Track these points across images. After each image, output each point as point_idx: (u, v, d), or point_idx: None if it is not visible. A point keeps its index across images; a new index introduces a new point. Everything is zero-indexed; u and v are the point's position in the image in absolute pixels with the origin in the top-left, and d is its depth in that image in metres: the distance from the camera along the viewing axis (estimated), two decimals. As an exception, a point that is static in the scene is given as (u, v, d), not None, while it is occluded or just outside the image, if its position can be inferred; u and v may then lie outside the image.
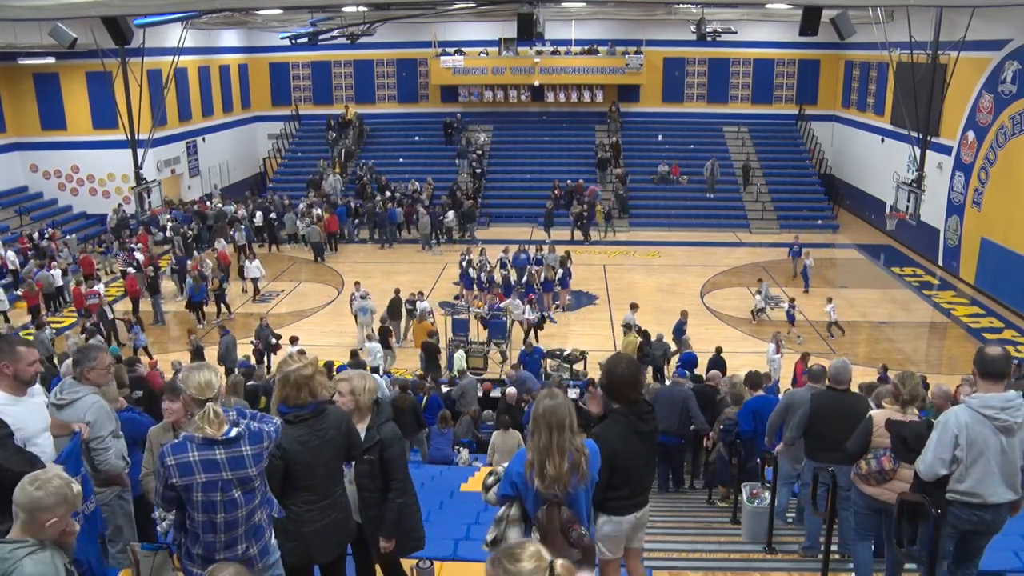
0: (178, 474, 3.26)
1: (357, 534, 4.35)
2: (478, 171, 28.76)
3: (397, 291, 17.78)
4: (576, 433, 3.64)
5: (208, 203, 26.81)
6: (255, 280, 20.55)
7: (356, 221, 26.53)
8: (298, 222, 25.35)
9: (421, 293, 18.44)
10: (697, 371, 13.66)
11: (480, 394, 13.38)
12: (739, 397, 9.01)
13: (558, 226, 26.45)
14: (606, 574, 4.25)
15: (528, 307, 17.50)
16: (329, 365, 13.38)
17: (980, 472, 3.99)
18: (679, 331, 16.07)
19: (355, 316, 17.41)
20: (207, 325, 18.65)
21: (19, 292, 18.80)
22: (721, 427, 8.89)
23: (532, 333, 17.20)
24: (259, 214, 25.61)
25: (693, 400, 9.41)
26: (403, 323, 17.68)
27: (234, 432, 3.31)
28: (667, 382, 12.68)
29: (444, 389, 13.32)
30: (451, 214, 25.94)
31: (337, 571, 4.20)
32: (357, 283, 18.32)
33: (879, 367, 13.82)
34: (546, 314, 18.43)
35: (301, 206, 26.13)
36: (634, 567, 4.36)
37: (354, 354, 14.83)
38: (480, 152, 29.58)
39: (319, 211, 25.51)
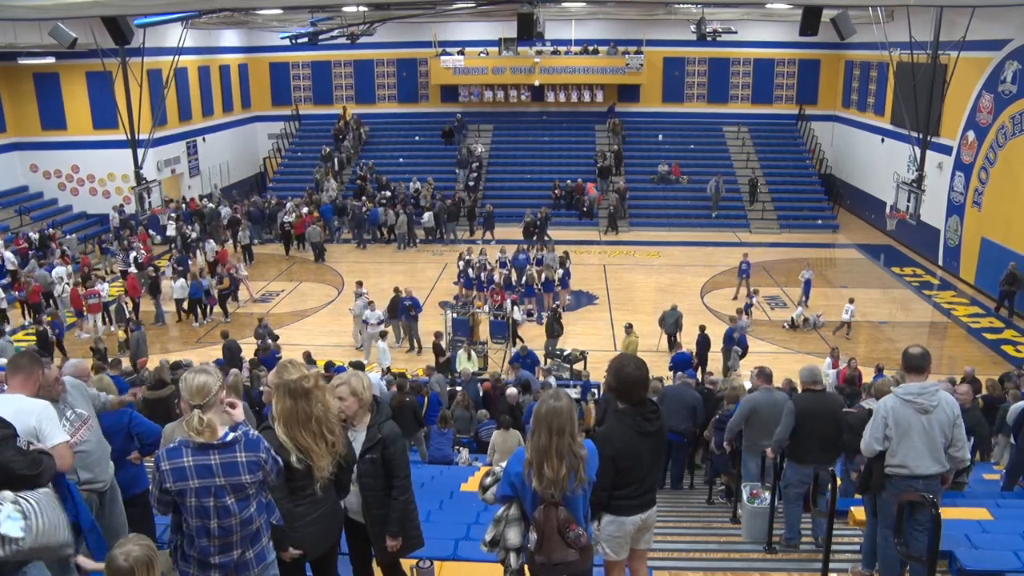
0: (172, 479, 3.25)
1: (358, 534, 4.34)
2: (472, 184, 28.62)
3: (397, 290, 17.76)
4: (576, 438, 3.63)
5: (200, 203, 26.75)
6: (179, 301, 19.04)
7: (337, 223, 26.46)
8: (289, 218, 25.18)
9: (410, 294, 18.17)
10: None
11: (480, 393, 13.37)
12: (735, 397, 9.25)
13: (562, 226, 26.63)
14: (610, 575, 4.24)
15: (516, 308, 17.53)
16: (328, 365, 13.39)
17: (907, 447, 4.90)
18: (728, 339, 15.71)
19: (359, 319, 17.21)
20: (207, 324, 18.69)
21: (16, 293, 18.78)
22: (717, 416, 9.15)
23: (514, 333, 17.23)
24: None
25: (702, 403, 9.87)
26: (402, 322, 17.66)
27: (230, 436, 3.29)
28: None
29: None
30: (427, 215, 25.92)
31: (328, 568, 4.18)
32: (359, 283, 18.28)
33: (875, 367, 13.81)
34: (544, 314, 18.41)
35: (288, 205, 26.04)
36: (637, 568, 4.34)
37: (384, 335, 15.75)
38: (478, 163, 29.51)
39: (307, 209, 25.45)
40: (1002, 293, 18.99)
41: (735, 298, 19.97)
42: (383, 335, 15.98)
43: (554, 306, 17.61)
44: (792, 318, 18.42)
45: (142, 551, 2.93)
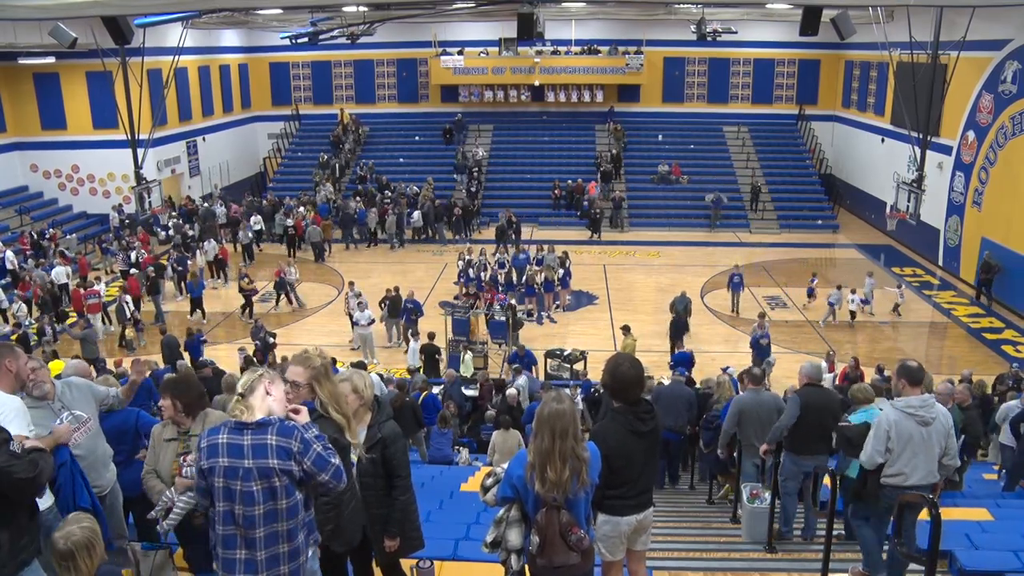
0: (206, 456, 3.29)
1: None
2: (473, 189, 28.52)
3: (396, 289, 17.74)
4: (579, 441, 3.63)
5: (194, 202, 26.69)
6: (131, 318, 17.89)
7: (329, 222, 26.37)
8: (287, 220, 25.14)
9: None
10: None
11: (477, 394, 13.38)
12: (722, 396, 9.44)
13: (562, 226, 26.74)
14: (607, 575, 4.24)
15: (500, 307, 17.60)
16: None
17: (907, 458, 5.05)
18: (756, 345, 15.55)
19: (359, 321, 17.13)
20: (205, 324, 18.68)
21: (17, 292, 18.78)
22: (705, 417, 9.26)
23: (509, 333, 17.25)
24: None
25: (695, 401, 9.95)
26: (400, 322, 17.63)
27: (266, 420, 3.34)
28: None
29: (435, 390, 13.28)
30: (416, 214, 25.90)
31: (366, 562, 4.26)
32: (351, 283, 18.24)
33: (875, 367, 13.83)
34: (539, 314, 18.40)
35: (286, 207, 25.98)
36: (636, 569, 4.33)
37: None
38: (478, 169, 29.45)
39: (303, 209, 25.46)
40: (980, 282, 19.52)
41: (733, 311, 19.39)
42: (415, 335, 15.91)
43: (511, 302, 17.70)
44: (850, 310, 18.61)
45: (83, 534, 2.86)
